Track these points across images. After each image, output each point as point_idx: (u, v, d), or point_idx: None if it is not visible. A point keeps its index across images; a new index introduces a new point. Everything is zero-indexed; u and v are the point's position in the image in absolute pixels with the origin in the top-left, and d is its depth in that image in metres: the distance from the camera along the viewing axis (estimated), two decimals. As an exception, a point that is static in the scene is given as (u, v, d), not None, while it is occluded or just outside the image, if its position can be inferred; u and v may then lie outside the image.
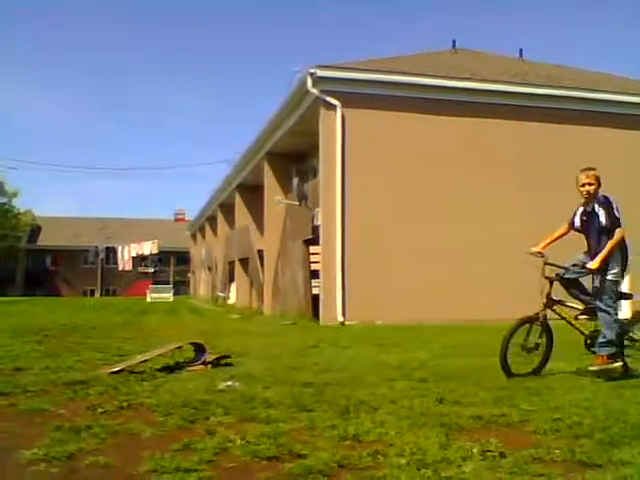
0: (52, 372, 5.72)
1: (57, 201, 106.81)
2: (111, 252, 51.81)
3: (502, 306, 13.48)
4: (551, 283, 5.66)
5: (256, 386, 4.95)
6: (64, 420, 3.77)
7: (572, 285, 5.80)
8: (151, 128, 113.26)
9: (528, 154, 14.65)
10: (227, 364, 6.29)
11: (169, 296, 39.18)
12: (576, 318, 5.81)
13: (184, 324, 14.26)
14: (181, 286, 52.20)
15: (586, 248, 5.82)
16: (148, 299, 37.69)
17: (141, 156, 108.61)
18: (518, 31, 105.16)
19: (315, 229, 14.69)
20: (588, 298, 5.72)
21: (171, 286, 44.62)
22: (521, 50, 20.89)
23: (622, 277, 5.65)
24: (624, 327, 5.71)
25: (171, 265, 59.67)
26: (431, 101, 14.28)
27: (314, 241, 14.96)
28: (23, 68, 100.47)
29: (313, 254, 15.32)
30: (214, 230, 33.56)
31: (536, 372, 5.60)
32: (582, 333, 5.83)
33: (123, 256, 45.78)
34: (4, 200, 56.41)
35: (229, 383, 5.04)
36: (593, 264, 5.46)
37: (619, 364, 5.47)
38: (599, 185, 5.64)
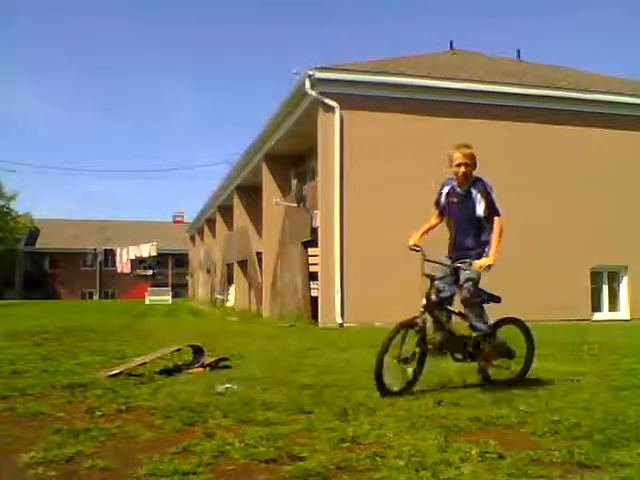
0: (50, 375, 5.72)
1: (55, 203, 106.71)
2: (109, 254, 51.71)
3: (501, 306, 13.53)
4: (432, 282, 4.74)
5: (255, 388, 4.95)
6: (62, 423, 3.77)
7: (446, 301, 4.83)
8: (151, 129, 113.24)
9: (527, 155, 14.66)
10: (225, 366, 6.29)
11: (168, 298, 39.12)
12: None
13: (183, 326, 14.24)
14: (180, 288, 52.11)
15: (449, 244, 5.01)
16: (147, 301, 37.64)
17: (140, 157, 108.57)
18: (518, 31, 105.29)
19: (314, 231, 14.69)
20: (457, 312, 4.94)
21: (170, 288, 44.56)
22: (519, 51, 21.00)
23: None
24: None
25: (170, 267, 59.58)
26: (430, 102, 14.30)
27: (313, 243, 14.96)
28: (22, 68, 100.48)
29: (312, 256, 15.31)
30: (213, 232, 33.54)
31: (410, 386, 4.69)
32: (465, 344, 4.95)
33: (122, 258, 45.70)
34: (2, 203, 56.34)
35: (228, 385, 5.03)
36: (488, 260, 4.66)
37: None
38: (475, 166, 4.87)
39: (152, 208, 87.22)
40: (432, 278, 4.72)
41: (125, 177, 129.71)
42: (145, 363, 5.96)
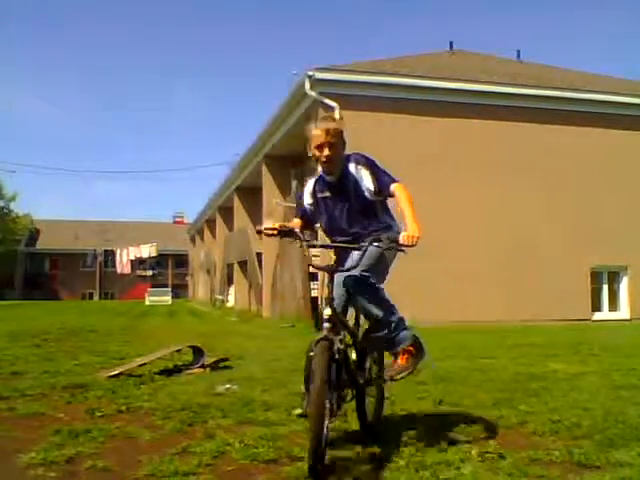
0: (50, 376, 5.71)
1: (56, 204, 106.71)
2: (110, 255, 51.75)
3: (502, 307, 13.54)
4: (331, 277, 3.21)
5: (254, 389, 4.95)
6: (62, 424, 3.76)
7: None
8: (151, 129, 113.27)
9: (527, 155, 14.65)
10: (225, 367, 6.29)
11: (168, 299, 39.08)
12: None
13: (182, 327, 14.23)
14: (180, 289, 52.08)
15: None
16: (147, 302, 37.60)
17: (140, 158, 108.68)
18: (518, 31, 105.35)
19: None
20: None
21: (170, 289, 44.53)
22: (519, 51, 21.01)
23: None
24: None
25: (170, 268, 59.56)
26: (429, 103, 14.29)
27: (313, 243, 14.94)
28: (22, 69, 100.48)
29: (312, 256, 15.30)
30: (213, 233, 33.54)
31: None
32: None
33: (122, 259, 45.74)
34: (2, 204, 56.33)
35: (227, 386, 5.03)
36: (413, 231, 3.12)
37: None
38: (344, 145, 3.44)
39: (152, 209, 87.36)
40: (331, 272, 3.23)
41: (125, 178, 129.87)
42: (145, 364, 5.96)
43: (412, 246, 3.10)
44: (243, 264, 23.73)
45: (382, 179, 3.43)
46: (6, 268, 54.32)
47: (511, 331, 11.14)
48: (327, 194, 3.48)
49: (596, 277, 15.32)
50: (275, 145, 18.28)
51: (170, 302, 38.14)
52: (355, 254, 3.27)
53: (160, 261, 56.87)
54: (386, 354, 3.53)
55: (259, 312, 19.74)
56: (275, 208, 18.13)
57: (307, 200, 3.61)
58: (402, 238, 3.12)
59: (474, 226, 13.95)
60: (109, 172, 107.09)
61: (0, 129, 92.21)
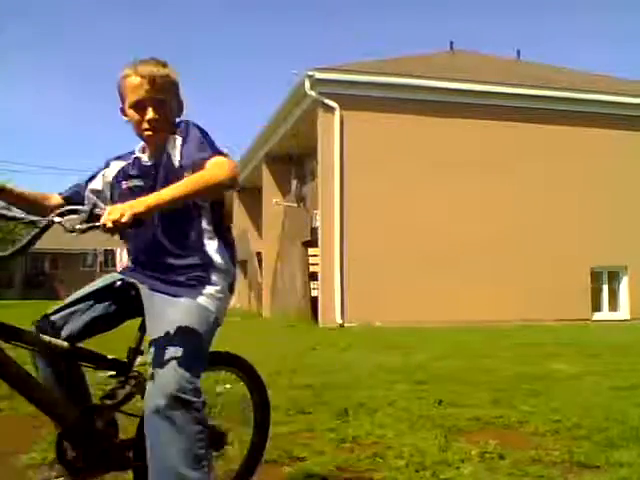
0: (50, 375, 5.70)
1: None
2: (109, 255, 51.74)
3: (502, 307, 13.53)
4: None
5: (255, 389, 4.94)
6: (62, 424, 3.75)
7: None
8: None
9: (527, 155, 14.65)
10: (226, 367, 6.28)
11: (168, 299, 39.06)
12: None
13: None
14: (180, 289, 52.08)
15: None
16: (147, 302, 37.61)
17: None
18: (518, 31, 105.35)
19: (314, 231, 14.69)
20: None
21: (170, 289, 44.47)
22: (519, 51, 21.01)
23: (230, 292, 2.20)
24: None
25: (170, 268, 59.52)
26: (430, 103, 14.28)
27: (313, 243, 14.96)
28: (22, 69, 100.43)
29: (312, 256, 15.31)
30: (213, 232, 33.52)
31: None
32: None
33: (122, 259, 45.72)
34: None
35: (227, 386, 5.02)
36: (147, 202, 1.70)
37: None
38: (182, 108, 2.14)
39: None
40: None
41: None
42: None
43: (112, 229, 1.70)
44: (243, 264, 23.74)
45: (203, 153, 1.95)
46: (6, 268, 54.33)
47: (511, 331, 11.14)
48: (138, 183, 2.10)
49: (596, 277, 15.31)
50: (275, 145, 18.29)
51: (170, 302, 38.09)
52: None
53: (160, 261, 56.79)
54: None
55: (259, 311, 19.76)
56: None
57: (96, 185, 2.24)
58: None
59: (474, 226, 13.94)
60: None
61: (0, 129, 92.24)
